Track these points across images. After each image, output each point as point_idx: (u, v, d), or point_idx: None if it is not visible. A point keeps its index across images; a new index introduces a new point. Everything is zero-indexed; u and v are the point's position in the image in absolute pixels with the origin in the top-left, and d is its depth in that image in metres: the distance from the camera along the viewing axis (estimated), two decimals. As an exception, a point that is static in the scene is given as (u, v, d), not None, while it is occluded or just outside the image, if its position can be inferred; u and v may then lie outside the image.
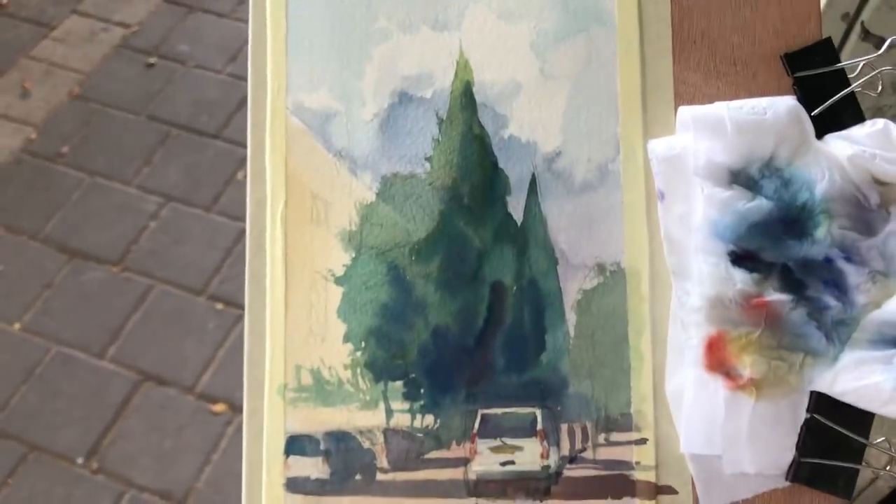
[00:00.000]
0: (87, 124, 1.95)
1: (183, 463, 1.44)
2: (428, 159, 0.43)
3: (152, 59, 2.06)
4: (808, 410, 0.41)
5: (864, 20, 0.54)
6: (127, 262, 1.70)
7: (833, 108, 0.42)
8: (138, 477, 1.41)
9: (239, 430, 1.43)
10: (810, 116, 0.42)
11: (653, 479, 0.42)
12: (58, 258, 1.72)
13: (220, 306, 1.62)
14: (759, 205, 0.40)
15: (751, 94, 0.43)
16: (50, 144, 1.91)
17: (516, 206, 0.43)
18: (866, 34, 0.53)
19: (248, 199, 0.43)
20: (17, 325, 1.61)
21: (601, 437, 0.43)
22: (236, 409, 1.46)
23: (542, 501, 0.42)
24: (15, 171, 1.88)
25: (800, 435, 0.41)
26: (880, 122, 0.41)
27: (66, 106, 1.99)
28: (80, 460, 1.43)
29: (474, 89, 0.43)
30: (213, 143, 1.91)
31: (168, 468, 1.43)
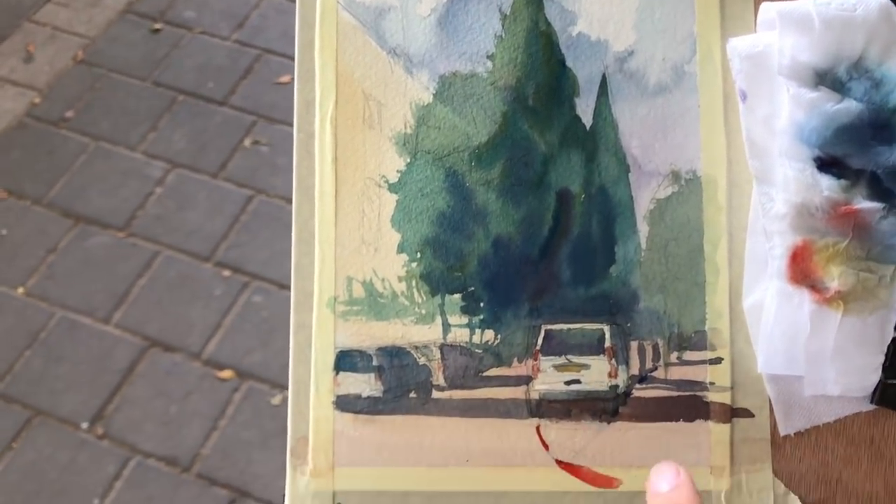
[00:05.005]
0: (91, 89, 1.92)
1: (189, 429, 1.42)
2: (490, 57, 0.40)
3: (158, 25, 2.03)
4: (896, 328, 0.38)
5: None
6: (132, 228, 1.68)
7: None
8: (143, 442, 1.40)
9: (246, 396, 1.42)
10: (902, 14, 0.39)
11: (728, 401, 0.40)
12: (62, 223, 1.70)
13: (226, 273, 1.60)
14: (848, 107, 0.38)
15: (837, -8, 0.40)
16: (54, 109, 1.88)
17: (585, 109, 0.40)
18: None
19: (295, 102, 0.40)
20: (20, 290, 1.59)
21: (673, 356, 0.40)
22: (243, 375, 1.45)
23: (609, 423, 0.40)
24: (19, 136, 1.86)
25: (887, 354, 0.38)
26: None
27: (70, 70, 1.96)
28: (84, 425, 1.42)
29: (540, -18, 0.40)
30: (219, 110, 1.88)
31: (174, 434, 1.42)
